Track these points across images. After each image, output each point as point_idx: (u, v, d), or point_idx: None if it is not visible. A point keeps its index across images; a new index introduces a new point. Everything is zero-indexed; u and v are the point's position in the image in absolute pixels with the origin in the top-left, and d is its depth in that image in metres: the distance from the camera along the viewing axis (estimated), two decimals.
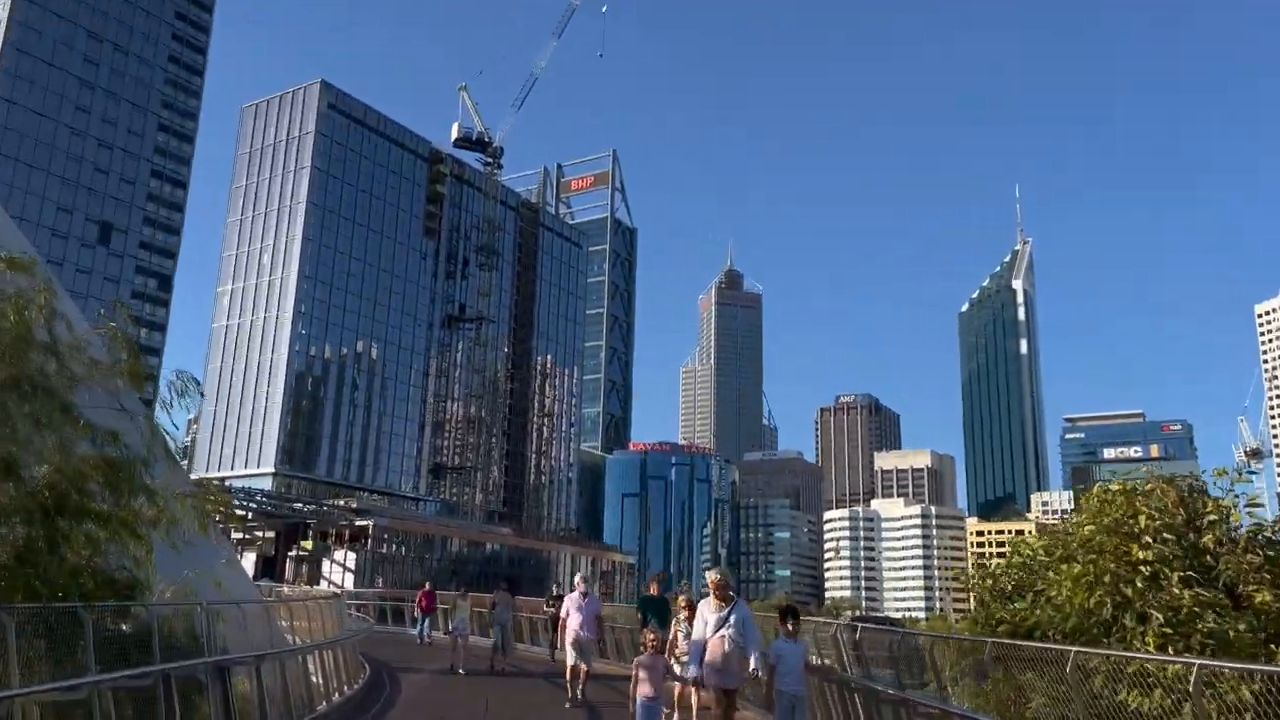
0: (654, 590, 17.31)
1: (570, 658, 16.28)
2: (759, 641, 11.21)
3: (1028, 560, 12.32)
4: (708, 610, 11.08)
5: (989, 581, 12.96)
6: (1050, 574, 10.98)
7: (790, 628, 10.98)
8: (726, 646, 10.70)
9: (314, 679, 13.55)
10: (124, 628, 9.04)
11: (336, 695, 14.95)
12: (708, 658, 10.77)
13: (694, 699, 12.57)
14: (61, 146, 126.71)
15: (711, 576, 11.25)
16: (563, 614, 16.86)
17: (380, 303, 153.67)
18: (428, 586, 32.51)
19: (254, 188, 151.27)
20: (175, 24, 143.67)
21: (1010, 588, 11.85)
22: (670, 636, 13.55)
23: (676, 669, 12.58)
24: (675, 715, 13.17)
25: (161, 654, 8.89)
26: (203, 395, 21.90)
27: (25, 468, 8.76)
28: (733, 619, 10.91)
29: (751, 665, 10.59)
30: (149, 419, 11.06)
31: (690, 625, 12.88)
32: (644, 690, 10.78)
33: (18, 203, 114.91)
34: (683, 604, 13.74)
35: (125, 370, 10.29)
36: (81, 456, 9.11)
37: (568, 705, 15.97)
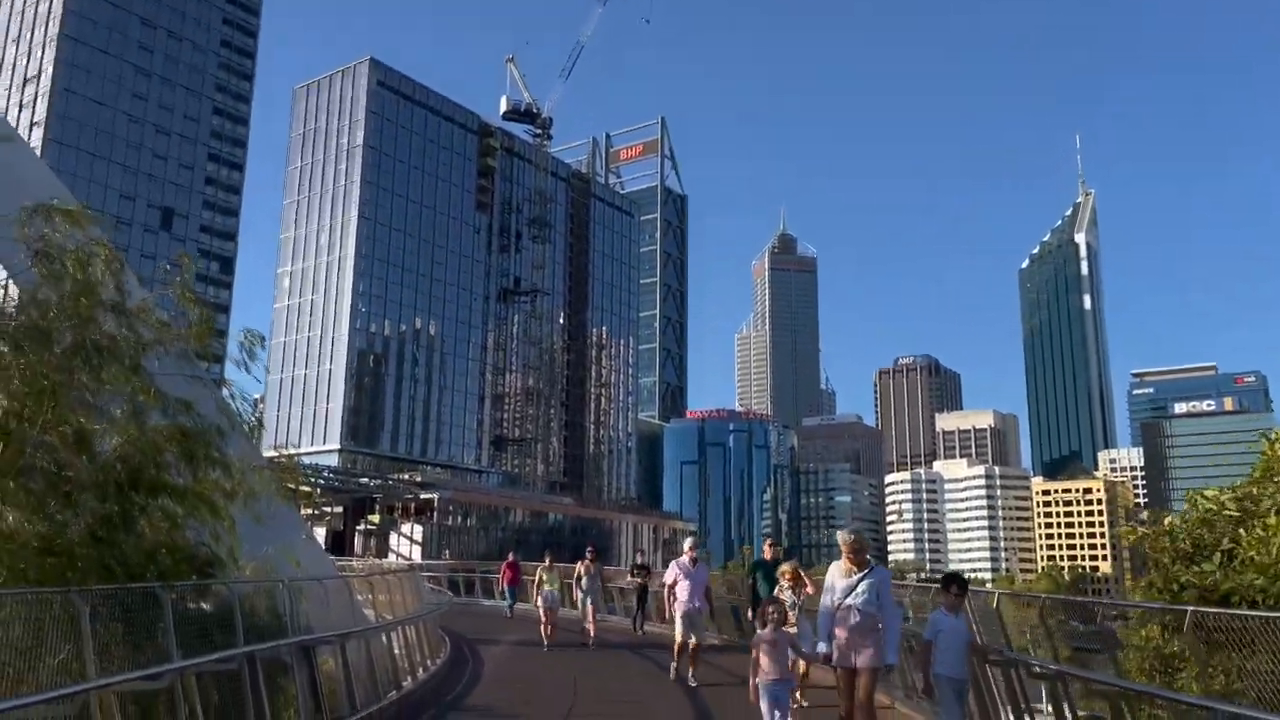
0: (768, 554, 15.71)
1: (679, 632, 14.62)
2: (899, 615, 10.03)
3: (1208, 516, 10.63)
4: (837, 575, 9.47)
5: (1165, 541, 11.04)
6: (1243, 531, 9.38)
7: (955, 597, 9.37)
8: (856, 618, 9.15)
9: (398, 655, 13.09)
10: (205, 607, 8.58)
11: (421, 671, 14.50)
12: (837, 632, 9.39)
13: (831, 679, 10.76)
14: (121, 134, 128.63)
15: (844, 537, 9.63)
16: (667, 581, 15.21)
17: (436, 278, 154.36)
18: (510, 558, 31.22)
19: (309, 169, 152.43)
20: (226, 7, 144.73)
21: (1191, 548, 10.15)
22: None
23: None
24: (802, 698, 12.04)
25: (245, 635, 8.41)
26: (267, 370, 21.26)
27: (96, 439, 8.22)
28: (865, 585, 9.39)
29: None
30: (221, 384, 10.48)
31: (797, 594, 12.13)
32: (768, 670, 9.29)
33: (82, 191, 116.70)
34: (787, 571, 12.68)
35: (193, 333, 9.69)
36: (154, 427, 8.57)
37: (674, 680, 14.52)
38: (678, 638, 14.54)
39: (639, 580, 24.47)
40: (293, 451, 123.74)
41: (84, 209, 9.38)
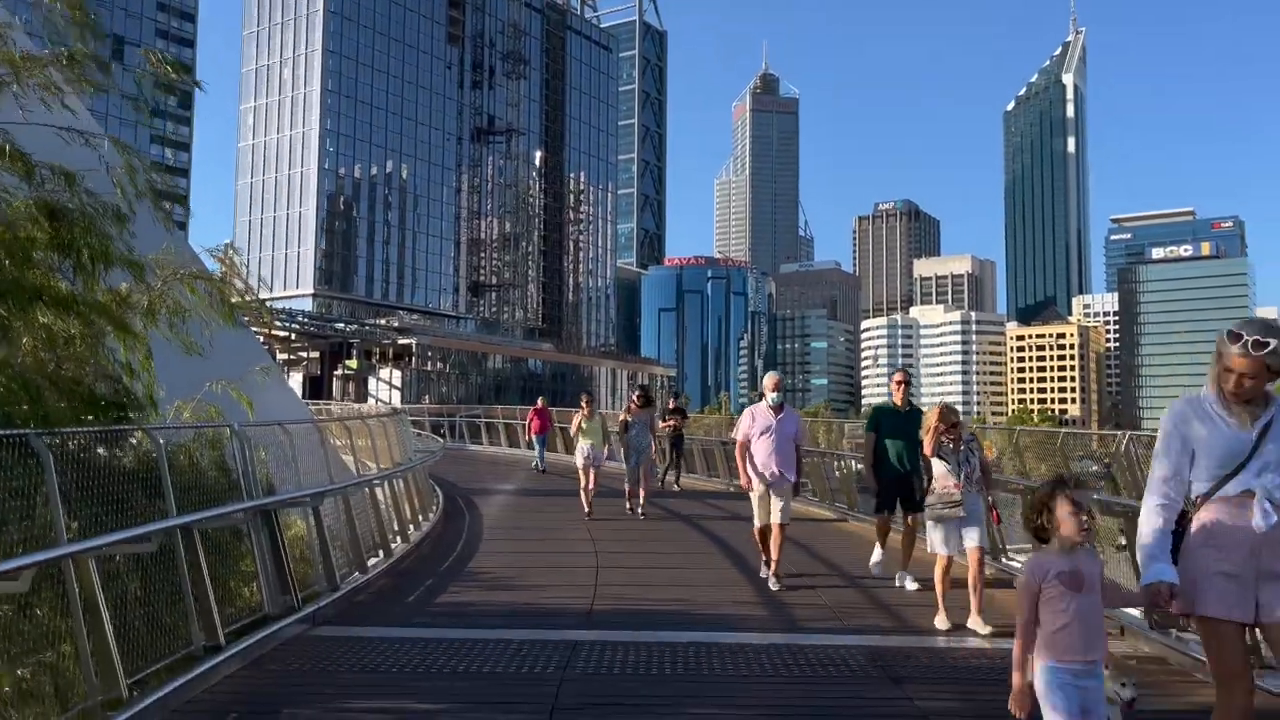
0: (898, 396, 10.24)
1: (757, 513, 9.92)
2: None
3: None
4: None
5: None
6: None
7: None
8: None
9: (384, 514, 11.00)
10: (123, 462, 6.35)
11: (412, 529, 12.47)
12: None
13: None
14: None
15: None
16: (740, 436, 10.08)
17: (407, 116, 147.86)
18: (540, 403, 27.16)
19: None
20: None
21: None
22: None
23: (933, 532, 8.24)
24: (940, 597, 8.21)
25: (178, 499, 6.22)
26: (198, 85, 17.36)
27: None
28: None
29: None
30: (125, 149, 7.58)
31: (962, 452, 8.17)
32: (1067, 644, 6.38)
33: (20, 19, 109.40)
34: (933, 418, 8.21)
35: (73, 58, 6.85)
36: (11, 205, 6.04)
37: (773, 584, 9.79)
38: (756, 520, 9.98)
39: (673, 424, 21.16)
40: (265, 297, 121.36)
41: None
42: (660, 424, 20.23)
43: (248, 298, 8.73)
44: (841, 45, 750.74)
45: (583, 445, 16.23)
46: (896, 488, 9.81)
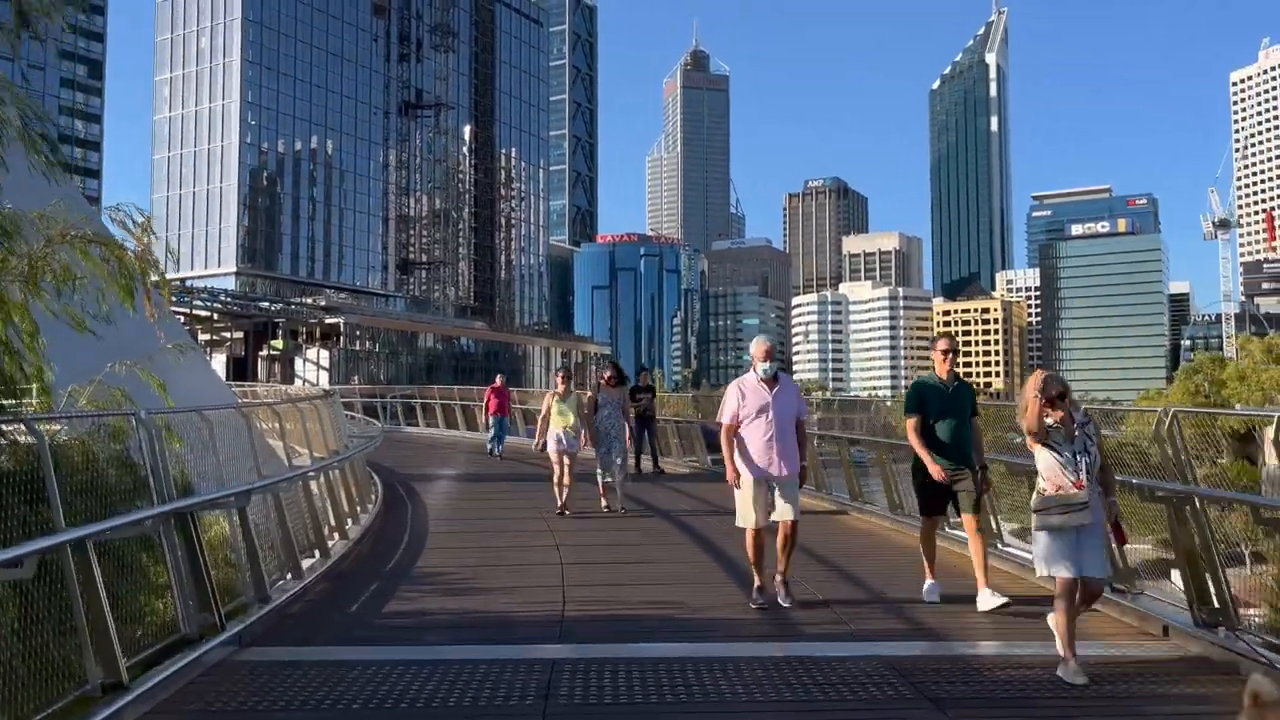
0: (943, 368, 8.23)
1: (749, 512, 7.96)
2: None
3: None
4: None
5: None
6: None
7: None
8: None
9: (319, 510, 9.76)
10: None
11: (351, 523, 11.19)
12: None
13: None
14: None
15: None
16: (726, 418, 8.11)
17: (332, 90, 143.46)
18: (498, 381, 24.92)
19: None
20: None
21: None
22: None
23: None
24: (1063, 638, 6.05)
25: (69, 506, 5.04)
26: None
27: None
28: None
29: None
30: None
31: (1078, 438, 6.14)
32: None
33: None
34: (1033, 388, 6.16)
35: None
36: None
37: (756, 603, 7.92)
38: (746, 521, 7.99)
39: (642, 403, 19.24)
40: (186, 275, 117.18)
41: None
42: (630, 401, 17.23)
43: (156, 272, 7.34)
44: (771, 22, 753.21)
45: (555, 429, 13.83)
46: (947, 483, 7.87)
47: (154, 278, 7.08)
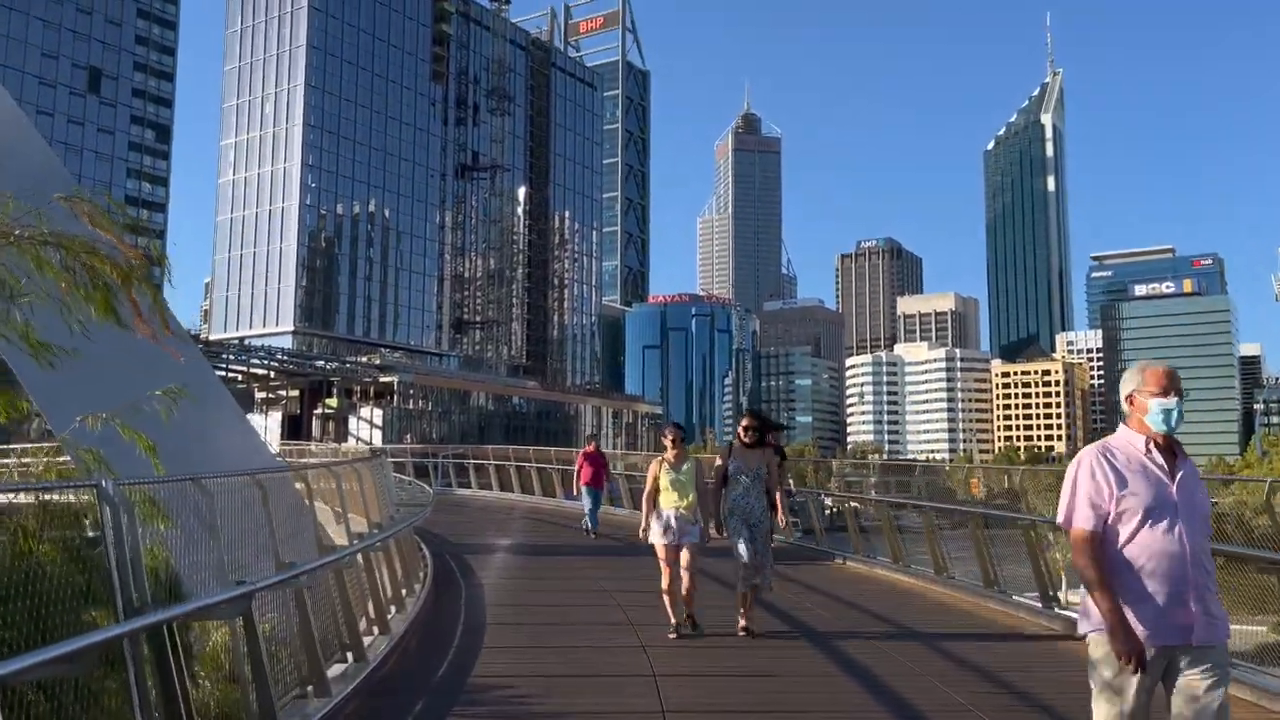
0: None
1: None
2: None
3: None
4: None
5: None
6: None
7: None
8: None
9: (359, 594, 8.02)
10: None
11: (394, 610, 9.34)
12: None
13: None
14: None
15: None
16: (1079, 521, 4.13)
17: (390, 152, 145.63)
18: (591, 446, 20.71)
19: (250, 31, 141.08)
20: None
21: None
22: None
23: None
24: None
25: None
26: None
27: None
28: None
29: None
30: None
31: None
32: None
33: None
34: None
35: None
36: None
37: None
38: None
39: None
40: (245, 334, 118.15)
41: None
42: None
43: (141, 279, 5.67)
44: (823, 83, 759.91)
45: (666, 510, 9.63)
46: None
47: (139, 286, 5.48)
